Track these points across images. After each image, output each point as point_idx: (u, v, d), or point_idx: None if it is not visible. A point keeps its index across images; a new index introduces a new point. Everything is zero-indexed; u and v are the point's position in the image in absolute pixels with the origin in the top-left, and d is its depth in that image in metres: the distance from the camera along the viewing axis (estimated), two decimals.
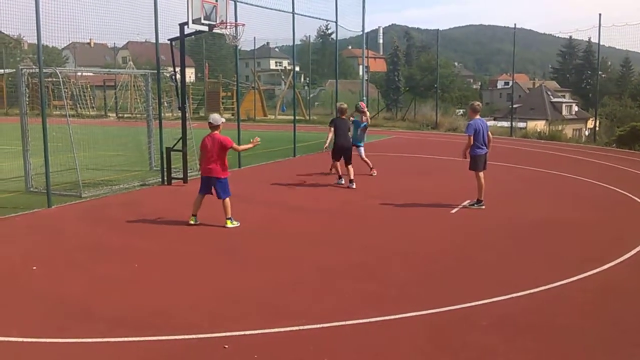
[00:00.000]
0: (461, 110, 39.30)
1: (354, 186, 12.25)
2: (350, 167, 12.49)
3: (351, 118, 13.53)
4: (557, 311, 5.72)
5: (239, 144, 10.15)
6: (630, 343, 5.12)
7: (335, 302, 5.95)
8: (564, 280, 6.55)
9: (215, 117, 9.08)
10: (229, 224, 8.91)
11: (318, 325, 5.31)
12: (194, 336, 5.07)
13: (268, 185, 12.96)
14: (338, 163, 12.72)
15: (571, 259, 7.52)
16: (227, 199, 8.96)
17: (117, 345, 4.95)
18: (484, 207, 10.28)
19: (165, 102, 15.91)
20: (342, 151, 12.49)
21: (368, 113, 14.25)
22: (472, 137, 10.18)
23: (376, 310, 5.65)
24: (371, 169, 13.92)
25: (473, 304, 5.86)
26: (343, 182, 12.63)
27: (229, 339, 5.04)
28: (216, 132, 8.93)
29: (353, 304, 5.91)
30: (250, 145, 9.37)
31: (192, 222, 9.07)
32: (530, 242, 8.36)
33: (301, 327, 5.27)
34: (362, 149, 13.89)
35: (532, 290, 6.23)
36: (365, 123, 13.93)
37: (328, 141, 12.64)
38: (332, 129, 12.43)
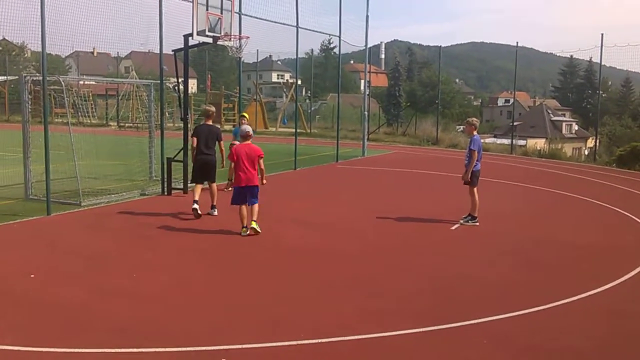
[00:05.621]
0: (461, 127, 39.39)
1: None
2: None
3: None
4: (557, 332, 5.67)
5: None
6: None
7: (335, 316, 5.90)
8: (564, 300, 6.51)
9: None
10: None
11: (318, 340, 5.26)
12: (192, 348, 5.02)
13: (268, 198, 12.90)
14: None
15: (571, 279, 7.49)
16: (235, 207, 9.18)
17: (114, 356, 4.89)
18: (477, 223, 10.26)
19: (166, 113, 15.91)
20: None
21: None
22: (476, 153, 10.17)
23: (376, 326, 5.61)
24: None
25: (474, 321, 5.82)
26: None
27: (228, 352, 4.99)
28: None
29: (353, 318, 5.86)
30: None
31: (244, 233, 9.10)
32: (530, 261, 8.32)
33: (301, 342, 5.22)
34: None
35: (532, 310, 6.18)
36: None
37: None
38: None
